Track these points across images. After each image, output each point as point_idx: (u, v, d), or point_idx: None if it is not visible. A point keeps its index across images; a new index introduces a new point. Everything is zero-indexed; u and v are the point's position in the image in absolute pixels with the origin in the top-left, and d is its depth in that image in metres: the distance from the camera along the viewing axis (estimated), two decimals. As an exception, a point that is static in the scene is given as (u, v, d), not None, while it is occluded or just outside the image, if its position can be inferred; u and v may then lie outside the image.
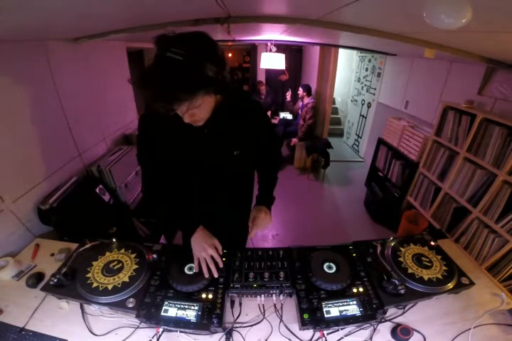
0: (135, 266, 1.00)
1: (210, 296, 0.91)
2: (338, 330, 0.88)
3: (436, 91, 2.54)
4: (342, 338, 0.86)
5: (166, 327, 0.85)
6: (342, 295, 0.92)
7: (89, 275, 0.97)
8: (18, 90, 1.31)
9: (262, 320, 0.92)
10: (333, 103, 5.50)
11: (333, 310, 0.88)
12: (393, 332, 0.88)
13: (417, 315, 0.94)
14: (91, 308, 0.94)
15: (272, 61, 3.62)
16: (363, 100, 4.41)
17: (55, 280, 0.92)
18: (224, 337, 0.85)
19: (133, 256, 1.05)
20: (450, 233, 2.00)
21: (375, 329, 0.89)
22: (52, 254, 1.18)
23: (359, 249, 1.11)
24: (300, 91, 3.94)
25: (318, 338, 0.87)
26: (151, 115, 0.95)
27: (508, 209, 1.59)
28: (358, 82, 4.59)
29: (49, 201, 1.40)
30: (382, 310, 0.88)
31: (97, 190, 1.74)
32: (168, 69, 0.67)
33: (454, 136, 2.01)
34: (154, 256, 1.05)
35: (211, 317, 0.84)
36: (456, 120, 1.99)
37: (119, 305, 0.89)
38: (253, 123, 1.02)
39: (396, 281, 0.90)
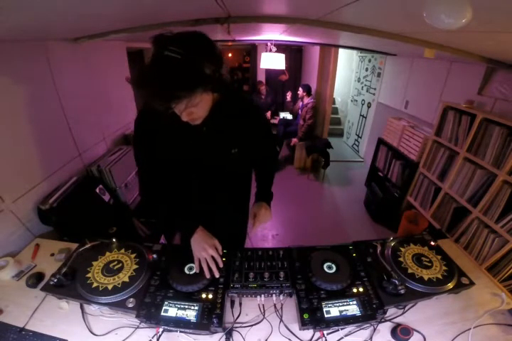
0: (135, 266, 1.00)
1: (210, 296, 0.91)
2: (338, 330, 0.88)
3: (436, 91, 2.54)
4: (342, 338, 0.86)
5: (166, 327, 0.85)
6: (342, 295, 0.92)
7: (89, 275, 0.97)
8: (18, 90, 1.31)
9: (262, 320, 0.92)
10: (333, 103, 5.50)
11: (333, 310, 0.88)
12: (393, 332, 0.88)
13: (417, 315, 0.94)
14: (91, 308, 0.94)
15: (272, 61, 3.62)
16: (363, 100, 4.41)
17: (55, 280, 0.92)
18: (224, 337, 0.85)
19: (133, 256, 1.05)
20: (450, 233, 2.00)
21: (375, 329, 0.89)
22: (52, 254, 1.18)
23: (359, 249, 1.11)
24: (300, 91, 3.94)
25: (318, 338, 0.87)
26: (147, 114, 0.95)
27: (508, 209, 1.59)
28: (358, 82, 4.59)
29: (49, 201, 1.40)
30: (382, 310, 0.88)
31: (97, 190, 1.74)
32: (166, 68, 0.67)
33: (454, 136, 2.01)
34: (154, 256, 1.05)
35: (211, 317, 0.84)
36: (456, 120, 1.99)
37: (119, 305, 0.89)
38: (250, 121, 1.03)
39: (396, 281, 0.90)
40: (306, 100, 3.87)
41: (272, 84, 5.56)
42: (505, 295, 1.00)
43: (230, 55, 7.13)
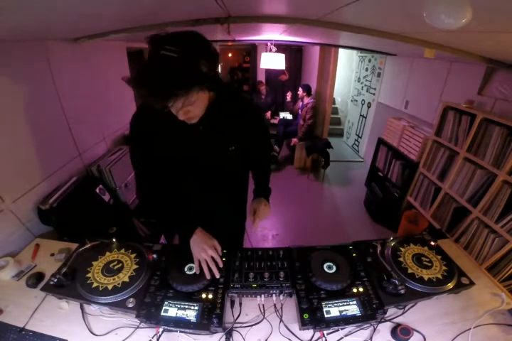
0: (135, 266, 1.00)
1: (210, 296, 0.91)
2: (338, 330, 0.88)
3: (436, 91, 2.54)
4: (342, 338, 0.86)
5: (166, 327, 0.85)
6: (342, 295, 0.92)
7: (89, 275, 0.97)
8: (18, 90, 1.31)
9: (262, 320, 0.92)
10: (333, 103, 5.50)
11: (333, 310, 0.88)
12: (393, 332, 0.88)
13: (417, 315, 0.94)
14: (91, 308, 0.94)
15: (272, 61, 3.62)
16: (363, 100, 4.41)
17: (55, 280, 0.92)
18: (224, 337, 0.85)
19: (133, 256, 1.05)
20: (450, 233, 2.00)
21: (375, 329, 0.89)
22: (52, 254, 1.18)
23: (359, 249, 1.11)
24: (300, 91, 3.94)
25: (318, 338, 0.87)
26: (143, 115, 0.95)
27: (508, 209, 1.59)
28: (358, 82, 4.59)
29: (49, 201, 1.40)
30: (382, 310, 0.88)
31: (97, 190, 1.74)
32: (163, 67, 0.68)
33: (454, 136, 2.01)
34: (154, 256, 1.05)
35: (211, 317, 0.84)
36: (456, 120, 1.99)
37: (119, 305, 0.89)
38: (247, 119, 1.03)
39: (396, 281, 0.90)
40: (306, 100, 3.88)
41: (272, 84, 5.56)
42: (505, 295, 1.00)
43: (230, 55, 7.12)
